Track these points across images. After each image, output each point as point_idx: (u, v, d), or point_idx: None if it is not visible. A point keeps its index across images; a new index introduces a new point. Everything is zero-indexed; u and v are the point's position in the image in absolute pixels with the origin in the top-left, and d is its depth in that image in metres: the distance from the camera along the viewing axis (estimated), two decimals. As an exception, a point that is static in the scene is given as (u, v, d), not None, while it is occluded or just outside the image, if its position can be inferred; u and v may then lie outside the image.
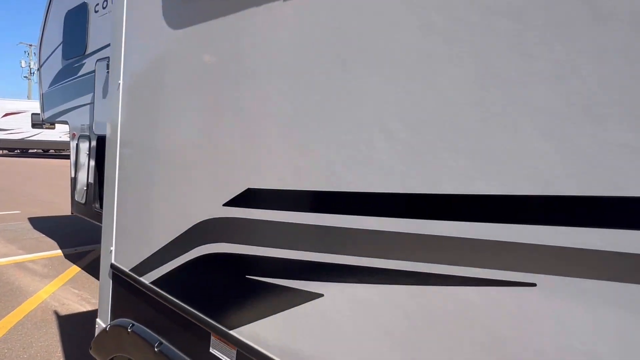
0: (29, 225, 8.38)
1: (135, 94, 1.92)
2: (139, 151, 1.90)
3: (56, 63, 6.39)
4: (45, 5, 6.71)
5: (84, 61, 5.61)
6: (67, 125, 6.33)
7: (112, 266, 2.03)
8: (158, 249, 1.73)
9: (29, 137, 27.68)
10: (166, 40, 1.70)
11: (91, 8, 5.45)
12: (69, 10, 6.01)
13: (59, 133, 27.85)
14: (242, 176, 1.36)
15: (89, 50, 5.50)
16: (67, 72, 6.04)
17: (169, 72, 1.69)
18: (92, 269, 5.84)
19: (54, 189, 13.87)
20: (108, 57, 4.70)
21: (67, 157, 30.59)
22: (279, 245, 1.26)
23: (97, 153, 5.32)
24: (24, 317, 4.23)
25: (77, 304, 4.62)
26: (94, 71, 5.30)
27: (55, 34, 6.44)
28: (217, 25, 1.46)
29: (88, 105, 5.48)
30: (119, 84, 2.00)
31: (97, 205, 5.32)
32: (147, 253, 1.79)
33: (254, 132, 1.33)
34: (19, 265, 5.88)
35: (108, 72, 4.74)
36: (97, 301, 5.13)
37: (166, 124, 1.71)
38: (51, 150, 31.01)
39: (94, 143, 5.37)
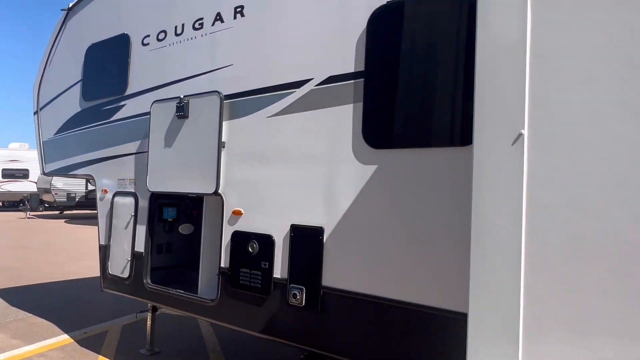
0: (2, 302, 6.79)
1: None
2: None
3: (68, 105, 5.30)
4: (50, 40, 5.65)
5: (122, 103, 4.63)
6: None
7: None
8: None
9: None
10: None
11: (135, 40, 4.55)
12: (93, 44, 5.03)
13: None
14: None
15: (131, 90, 4.56)
16: (90, 115, 4.99)
17: None
18: (128, 357, 4.64)
19: None
20: (179, 98, 3.85)
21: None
22: None
23: (150, 215, 4.29)
24: None
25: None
26: (143, 114, 4.36)
27: (66, 71, 5.39)
28: None
29: (132, 156, 4.47)
30: (520, 135, 1.29)
31: (149, 281, 4.24)
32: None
33: None
34: (28, 362, 4.53)
35: (180, 115, 3.87)
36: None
37: None
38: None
39: (143, 202, 4.34)
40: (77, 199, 22.27)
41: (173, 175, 3.98)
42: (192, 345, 5.20)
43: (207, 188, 3.70)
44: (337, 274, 2.99)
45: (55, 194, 21.27)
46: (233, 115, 3.65)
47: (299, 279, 3.15)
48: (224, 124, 3.66)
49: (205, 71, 3.90)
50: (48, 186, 21.03)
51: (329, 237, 3.03)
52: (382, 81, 2.87)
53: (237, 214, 3.56)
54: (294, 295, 3.13)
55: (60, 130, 5.43)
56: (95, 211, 4.98)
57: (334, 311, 2.99)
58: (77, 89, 5.23)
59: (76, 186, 22.15)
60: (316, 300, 3.05)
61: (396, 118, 2.83)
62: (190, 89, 3.97)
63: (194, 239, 4.80)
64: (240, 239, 3.50)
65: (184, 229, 4.64)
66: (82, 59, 5.17)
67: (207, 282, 3.95)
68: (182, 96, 3.92)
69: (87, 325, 5.80)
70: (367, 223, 2.87)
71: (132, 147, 4.49)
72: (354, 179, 2.95)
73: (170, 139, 4.02)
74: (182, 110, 3.90)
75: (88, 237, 14.88)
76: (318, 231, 3.07)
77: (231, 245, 3.56)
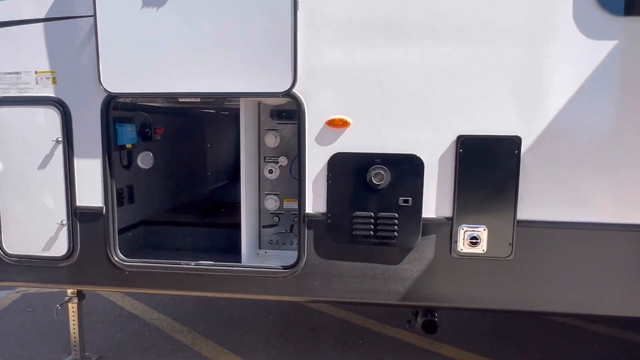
0: None
1: None
2: None
3: None
4: None
5: None
6: None
7: None
8: None
9: None
10: None
11: None
12: None
13: None
14: None
15: None
16: None
17: None
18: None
19: None
20: None
21: None
22: None
23: (107, 137, 2.31)
24: None
25: None
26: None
27: None
28: None
29: (37, 25, 2.25)
30: None
31: (120, 255, 2.38)
32: None
33: None
34: None
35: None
36: None
37: None
38: None
39: (86, 115, 2.29)
40: None
41: (170, 64, 2.15)
42: (143, 335, 3.50)
43: (271, 85, 2.10)
44: (542, 201, 2.10)
45: None
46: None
47: (476, 216, 2.12)
48: (296, -31, 2.06)
49: None
50: None
51: (528, 150, 2.07)
52: None
53: (338, 125, 2.16)
54: (473, 240, 2.12)
55: None
56: None
57: (536, 252, 2.14)
58: None
59: None
60: (508, 243, 2.12)
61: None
62: None
63: (157, 175, 3.01)
64: (349, 165, 2.16)
65: (144, 160, 2.76)
66: None
67: (251, 243, 2.44)
68: None
69: None
70: (601, 127, 2.04)
71: (31, 8, 2.27)
72: (576, 59, 2.01)
73: (155, -7, 2.11)
74: None
75: None
76: (512, 143, 2.06)
77: (331, 177, 2.18)
